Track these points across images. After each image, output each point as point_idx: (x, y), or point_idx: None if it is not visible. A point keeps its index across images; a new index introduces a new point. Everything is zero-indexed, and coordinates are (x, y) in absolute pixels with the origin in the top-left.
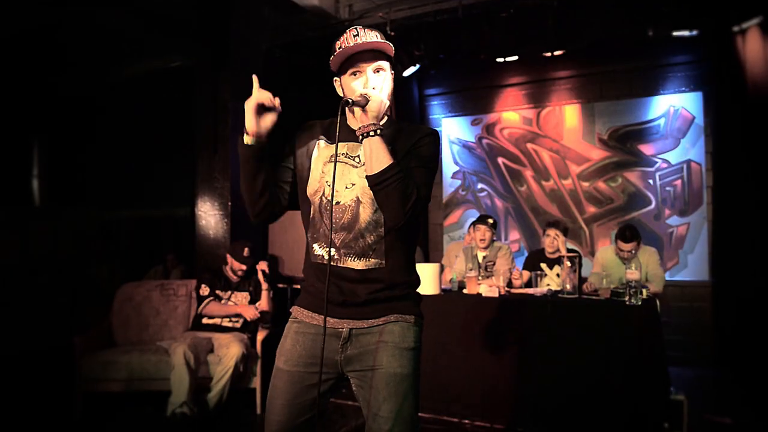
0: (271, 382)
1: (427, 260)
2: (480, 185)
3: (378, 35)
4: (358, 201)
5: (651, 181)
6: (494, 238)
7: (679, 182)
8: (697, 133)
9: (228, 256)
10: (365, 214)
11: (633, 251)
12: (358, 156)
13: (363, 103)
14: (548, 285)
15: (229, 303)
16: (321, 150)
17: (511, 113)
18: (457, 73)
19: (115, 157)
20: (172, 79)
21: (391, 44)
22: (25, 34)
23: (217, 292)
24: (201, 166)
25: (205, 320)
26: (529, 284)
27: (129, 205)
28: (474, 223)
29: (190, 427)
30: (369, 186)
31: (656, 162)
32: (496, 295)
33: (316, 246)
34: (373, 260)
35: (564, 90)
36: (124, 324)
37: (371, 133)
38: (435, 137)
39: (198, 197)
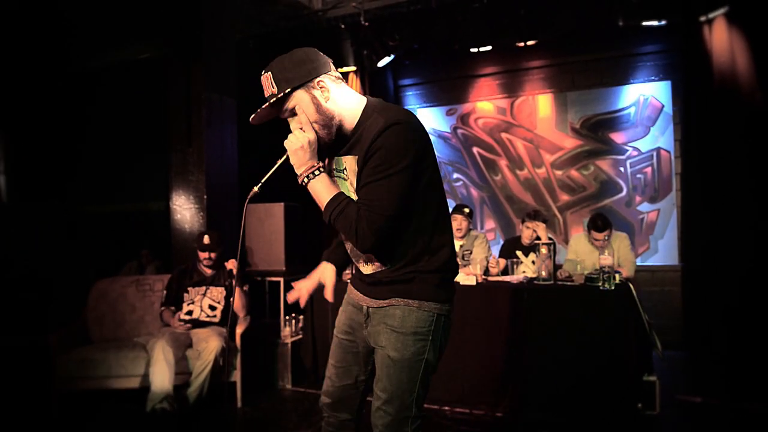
0: None
1: None
2: (456, 175)
3: (270, 80)
4: None
5: (622, 169)
6: (470, 227)
7: (649, 170)
8: (667, 122)
9: (197, 249)
10: None
11: (606, 239)
12: (345, 169)
13: (286, 163)
14: (524, 272)
15: (205, 298)
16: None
17: (485, 103)
18: (432, 64)
19: (86, 151)
20: (145, 70)
21: (278, 88)
22: None
23: (190, 288)
24: (175, 159)
25: (182, 315)
26: (505, 272)
27: (102, 200)
28: (451, 213)
29: (171, 423)
30: None
31: (627, 150)
32: (474, 283)
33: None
34: (377, 263)
35: (537, 80)
36: (99, 321)
37: (303, 183)
38: (388, 136)
39: (173, 191)
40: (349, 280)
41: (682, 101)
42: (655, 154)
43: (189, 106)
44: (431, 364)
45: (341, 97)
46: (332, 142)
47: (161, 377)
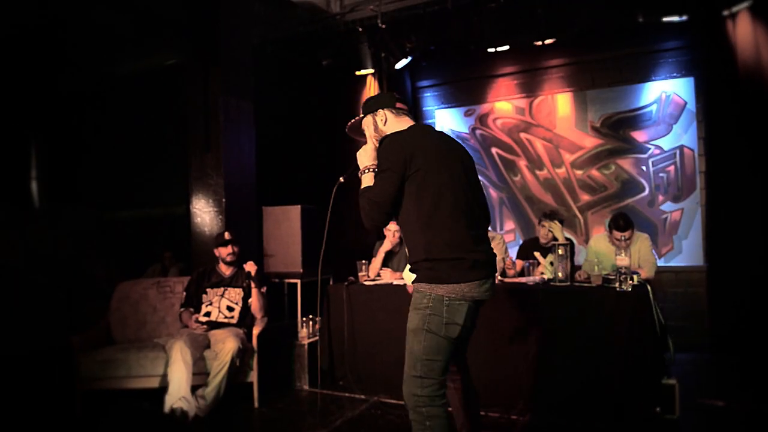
0: None
1: None
2: None
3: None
4: None
5: (644, 168)
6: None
7: (672, 168)
8: (689, 119)
9: (215, 250)
10: None
11: (626, 239)
12: None
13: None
14: (542, 273)
15: (223, 299)
16: None
17: (504, 103)
18: (449, 65)
19: (112, 156)
20: (165, 76)
21: (362, 113)
22: (18, 35)
23: (208, 290)
24: (194, 163)
25: (200, 317)
26: (522, 273)
27: (127, 205)
28: None
29: (188, 422)
30: None
31: (649, 148)
32: None
33: None
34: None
35: (556, 78)
36: (121, 322)
37: (360, 176)
38: (381, 146)
39: (192, 195)
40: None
41: (706, 98)
42: (678, 152)
43: (207, 110)
44: (435, 334)
45: (395, 123)
46: None
47: (179, 377)
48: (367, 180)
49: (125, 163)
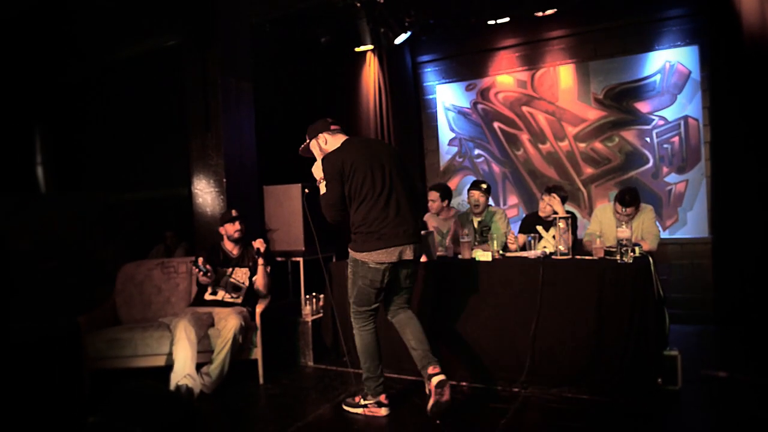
0: None
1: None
2: (477, 151)
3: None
4: None
5: (648, 139)
6: (489, 203)
7: (676, 139)
8: (694, 88)
9: (220, 228)
10: None
11: (630, 215)
12: None
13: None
14: (545, 247)
15: (230, 279)
16: None
17: (505, 76)
18: (450, 39)
19: (115, 140)
20: (165, 58)
21: (307, 138)
22: (18, 20)
23: (217, 269)
24: (195, 144)
25: (206, 296)
26: (524, 248)
27: (132, 188)
28: (468, 189)
29: (194, 399)
30: None
31: (653, 119)
32: (490, 259)
33: None
34: None
35: (557, 50)
36: (127, 303)
37: (317, 186)
38: (324, 164)
39: (193, 175)
40: None
41: (711, 66)
42: (682, 122)
43: (206, 91)
44: (360, 285)
45: (333, 141)
46: None
47: (184, 356)
48: (323, 188)
49: (128, 146)
